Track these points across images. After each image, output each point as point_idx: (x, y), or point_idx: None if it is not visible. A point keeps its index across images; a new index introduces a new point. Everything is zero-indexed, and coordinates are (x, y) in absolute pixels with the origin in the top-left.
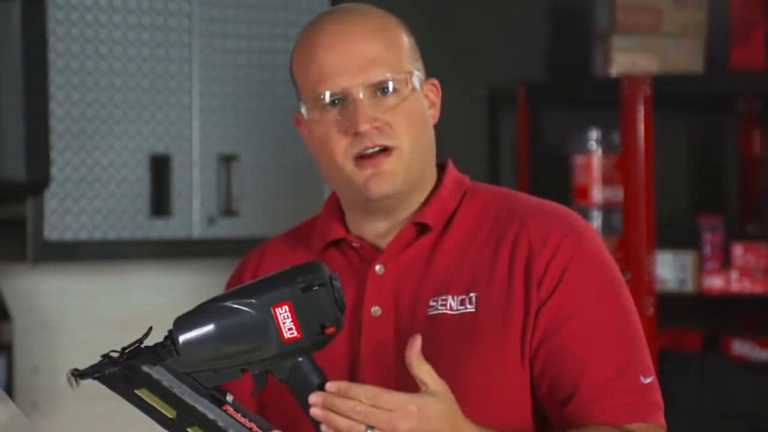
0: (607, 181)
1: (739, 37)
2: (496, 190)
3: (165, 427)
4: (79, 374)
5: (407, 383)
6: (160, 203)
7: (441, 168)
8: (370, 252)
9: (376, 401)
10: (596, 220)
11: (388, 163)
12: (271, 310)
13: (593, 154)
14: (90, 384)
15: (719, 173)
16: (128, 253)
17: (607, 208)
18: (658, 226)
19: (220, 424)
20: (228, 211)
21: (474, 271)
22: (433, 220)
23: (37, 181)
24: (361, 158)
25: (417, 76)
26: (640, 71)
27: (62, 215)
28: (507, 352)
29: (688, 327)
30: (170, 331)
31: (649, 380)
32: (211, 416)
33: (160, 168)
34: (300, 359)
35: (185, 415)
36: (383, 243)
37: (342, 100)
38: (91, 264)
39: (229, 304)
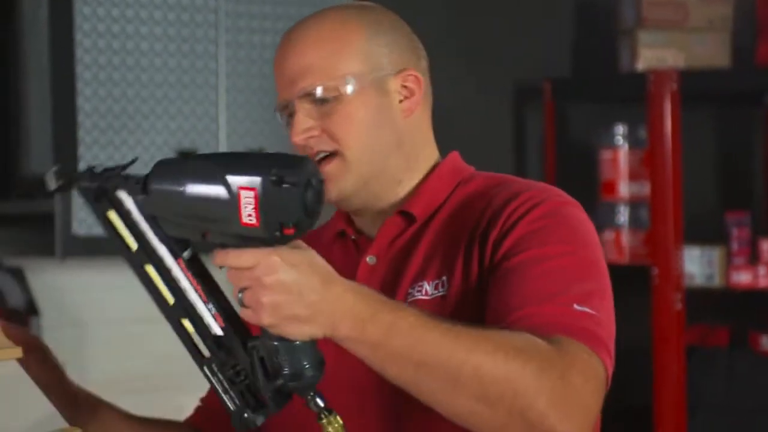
0: (633, 176)
1: (766, 31)
2: (490, 176)
3: (126, 260)
4: (59, 175)
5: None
6: None
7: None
8: (364, 243)
9: (236, 262)
10: (623, 215)
11: (330, 168)
12: (237, 191)
13: (620, 150)
14: (119, 378)
15: (746, 168)
16: None
17: (633, 203)
18: (685, 221)
19: (173, 273)
20: None
21: (447, 255)
22: (419, 209)
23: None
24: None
25: (359, 77)
26: (667, 66)
27: (90, 210)
28: (476, 325)
29: (716, 322)
30: (148, 173)
31: (585, 309)
32: (166, 262)
33: None
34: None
35: (144, 251)
36: (374, 232)
37: (291, 111)
38: (119, 259)
39: (208, 166)
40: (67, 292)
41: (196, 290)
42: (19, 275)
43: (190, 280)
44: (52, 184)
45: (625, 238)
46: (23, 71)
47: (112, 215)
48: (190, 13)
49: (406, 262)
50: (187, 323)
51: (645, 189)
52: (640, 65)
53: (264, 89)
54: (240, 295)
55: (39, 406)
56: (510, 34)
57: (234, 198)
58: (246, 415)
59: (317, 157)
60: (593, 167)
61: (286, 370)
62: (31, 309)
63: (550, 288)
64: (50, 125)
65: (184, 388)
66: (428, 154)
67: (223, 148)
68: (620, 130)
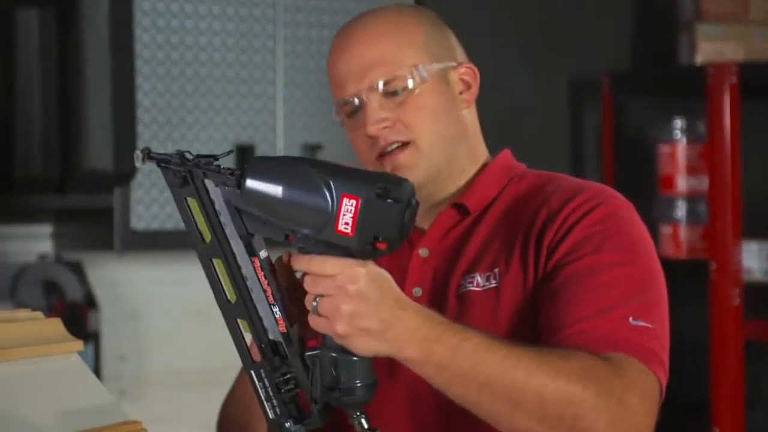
0: (691, 170)
1: None
2: (541, 174)
3: (195, 248)
4: (147, 154)
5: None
6: None
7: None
8: (416, 236)
9: (319, 269)
10: (681, 210)
11: (404, 157)
12: (340, 197)
13: (678, 144)
14: (175, 371)
15: None
16: None
17: (691, 198)
18: (744, 215)
19: (243, 271)
20: None
21: (500, 248)
22: (472, 202)
23: (124, 171)
24: (381, 156)
25: (427, 67)
26: (726, 59)
27: (148, 205)
28: (525, 323)
29: None
30: (244, 167)
31: (640, 323)
32: (237, 257)
33: (245, 157)
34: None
35: (218, 244)
36: (426, 225)
37: (357, 105)
38: (176, 253)
39: (309, 171)
40: (126, 286)
41: (266, 291)
42: (78, 269)
43: (260, 281)
44: (138, 161)
45: (683, 232)
46: (83, 67)
47: (194, 203)
48: (248, 8)
49: (458, 255)
50: (243, 323)
51: (703, 183)
52: (699, 58)
53: (321, 84)
54: (315, 302)
55: (99, 396)
56: (567, 27)
57: (335, 204)
58: (288, 425)
59: (390, 148)
60: (651, 162)
61: (341, 384)
62: (89, 303)
63: (606, 301)
64: (109, 120)
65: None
66: (481, 145)
67: (280, 143)
68: (678, 124)
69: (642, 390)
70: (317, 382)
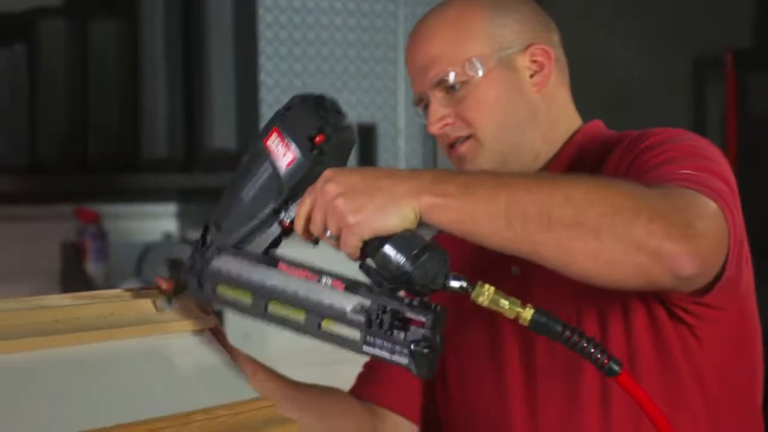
0: None
1: None
2: (625, 134)
3: (251, 315)
4: (168, 300)
5: (553, 344)
6: None
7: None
8: None
9: (304, 208)
10: None
11: (465, 150)
12: (264, 145)
13: None
14: (295, 351)
15: None
16: None
17: None
18: None
19: (284, 287)
20: None
21: None
22: None
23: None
24: (449, 148)
25: (485, 59)
26: None
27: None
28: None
29: None
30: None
31: (711, 180)
32: (278, 286)
33: (366, 137)
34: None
35: (259, 293)
36: None
37: (426, 103)
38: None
39: (237, 169)
40: None
41: (308, 278)
42: None
43: (298, 275)
44: (167, 308)
45: None
46: (207, 48)
47: (221, 287)
48: None
49: None
50: (326, 323)
51: None
52: None
53: None
54: (328, 233)
55: (230, 372)
56: (689, 3)
57: (266, 151)
58: (415, 348)
59: (455, 143)
60: None
61: (405, 266)
62: None
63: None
64: (233, 101)
65: (357, 361)
66: (566, 125)
67: (401, 122)
68: None
69: (691, 197)
70: (396, 290)
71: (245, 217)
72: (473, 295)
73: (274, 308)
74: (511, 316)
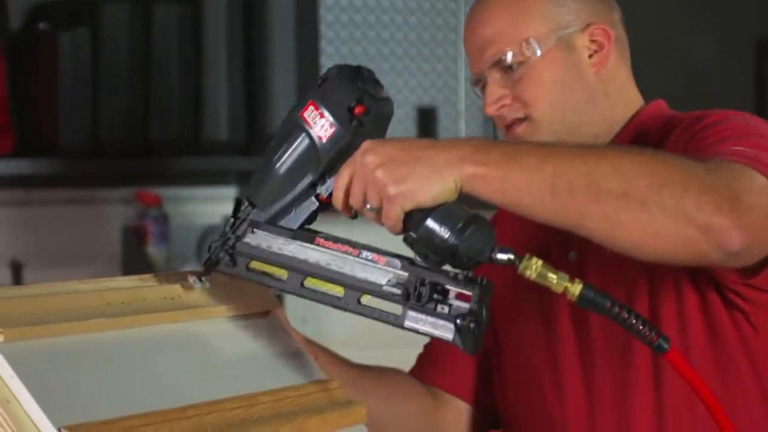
0: None
1: None
2: (687, 114)
3: (286, 291)
4: (198, 276)
5: (607, 324)
6: None
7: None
8: None
9: (342, 180)
10: None
11: (521, 131)
12: (301, 117)
13: None
14: (354, 334)
15: None
16: None
17: None
18: None
19: (321, 261)
20: None
21: None
22: None
23: None
24: (507, 128)
25: (542, 39)
26: None
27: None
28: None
29: None
30: (240, 198)
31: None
32: (307, 258)
33: (427, 120)
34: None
35: (295, 270)
36: None
37: (484, 84)
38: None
39: (281, 129)
40: None
41: (347, 252)
42: None
43: (337, 249)
44: (199, 285)
45: None
46: (268, 31)
47: (255, 263)
48: None
49: None
50: (366, 297)
51: None
52: None
53: None
54: (368, 206)
55: (297, 354)
56: None
57: (302, 124)
58: (460, 322)
59: (512, 125)
60: None
61: (450, 239)
62: None
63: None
64: (294, 84)
65: (416, 344)
66: (627, 105)
67: (462, 104)
68: None
69: (738, 170)
70: (440, 263)
71: (280, 191)
72: (520, 268)
73: (311, 283)
74: (559, 290)
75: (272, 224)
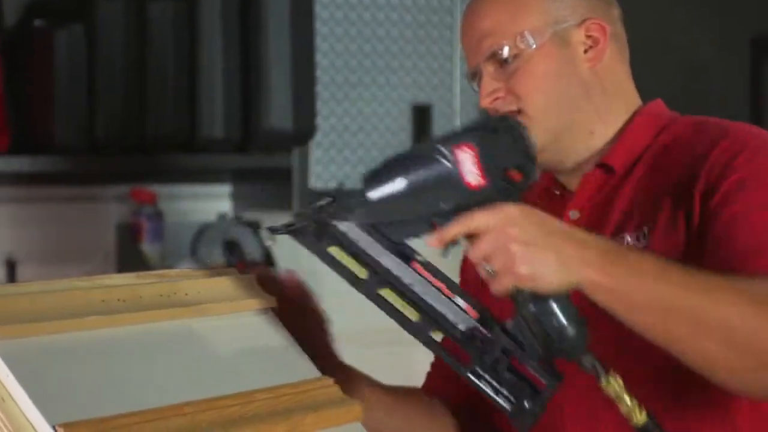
0: None
1: None
2: (694, 120)
3: (358, 289)
4: (274, 230)
5: (600, 325)
6: None
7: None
8: (567, 198)
9: (472, 223)
10: None
11: None
12: (453, 152)
13: None
14: (352, 331)
15: None
16: None
17: None
18: None
19: (406, 281)
20: None
21: (647, 206)
22: (618, 161)
23: (304, 131)
24: None
25: (538, 32)
26: None
27: (326, 164)
28: None
29: None
30: (362, 184)
31: None
32: (400, 276)
33: (422, 118)
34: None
35: (376, 274)
36: (573, 187)
37: (479, 76)
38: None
39: (413, 150)
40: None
41: (440, 289)
42: (256, 228)
43: (430, 281)
44: (270, 240)
45: None
46: (264, 28)
47: (335, 250)
48: None
49: (607, 214)
50: (437, 334)
51: None
52: None
53: None
54: (487, 268)
55: (292, 352)
56: None
57: (453, 162)
58: (527, 405)
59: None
60: None
61: (552, 333)
62: (268, 262)
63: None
64: (289, 81)
65: (417, 342)
66: (624, 102)
67: (457, 102)
68: None
69: None
70: (531, 344)
71: (399, 203)
72: (602, 381)
73: (386, 294)
74: (624, 411)
75: (375, 226)
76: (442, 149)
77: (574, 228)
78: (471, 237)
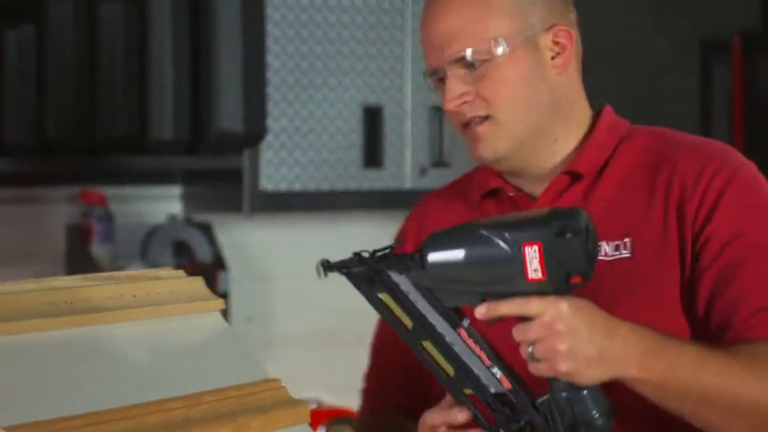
0: None
1: None
2: (652, 131)
3: (401, 336)
4: (328, 266)
5: (625, 399)
6: (373, 154)
7: (600, 113)
8: (524, 201)
9: (524, 309)
10: None
11: (482, 131)
12: (522, 247)
13: None
14: (304, 332)
15: None
16: (341, 204)
17: None
18: None
19: (451, 343)
20: (439, 162)
21: (628, 215)
22: (586, 168)
23: (254, 133)
24: (464, 126)
25: (509, 37)
26: None
27: (277, 166)
28: (663, 295)
29: None
30: (422, 246)
31: None
32: (443, 334)
33: (372, 119)
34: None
35: (421, 327)
36: (538, 192)
37: (441, 77)
38: (305, 214)
39: (483, 231)
40: (254, 247)
41: (480, 357)
42: (207, 230)
43: (472, 348)
44: (320, 275)
45: None
46: (215, 29)
47: (386, 297)
48: None
49: None
50: (470, 391)
51: None
52: None
53: None
54: (530, 350)
55: (241, 353)
56: None
57: (518, 255)
58: None
59: (472, 122)
60: None
61: (580, 419)
62: (218, 263)
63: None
64: (240, 83)
65: (361, 344)
66: (581, 109)
67: (408, 103)
68: None
69: None
70: (557, 425)
71: (454, 272)
72: None
73: (428, 346)
74: None
75: (430, 291)
76: (511, 242)
77: (619, 322)
78: (519, 318)
